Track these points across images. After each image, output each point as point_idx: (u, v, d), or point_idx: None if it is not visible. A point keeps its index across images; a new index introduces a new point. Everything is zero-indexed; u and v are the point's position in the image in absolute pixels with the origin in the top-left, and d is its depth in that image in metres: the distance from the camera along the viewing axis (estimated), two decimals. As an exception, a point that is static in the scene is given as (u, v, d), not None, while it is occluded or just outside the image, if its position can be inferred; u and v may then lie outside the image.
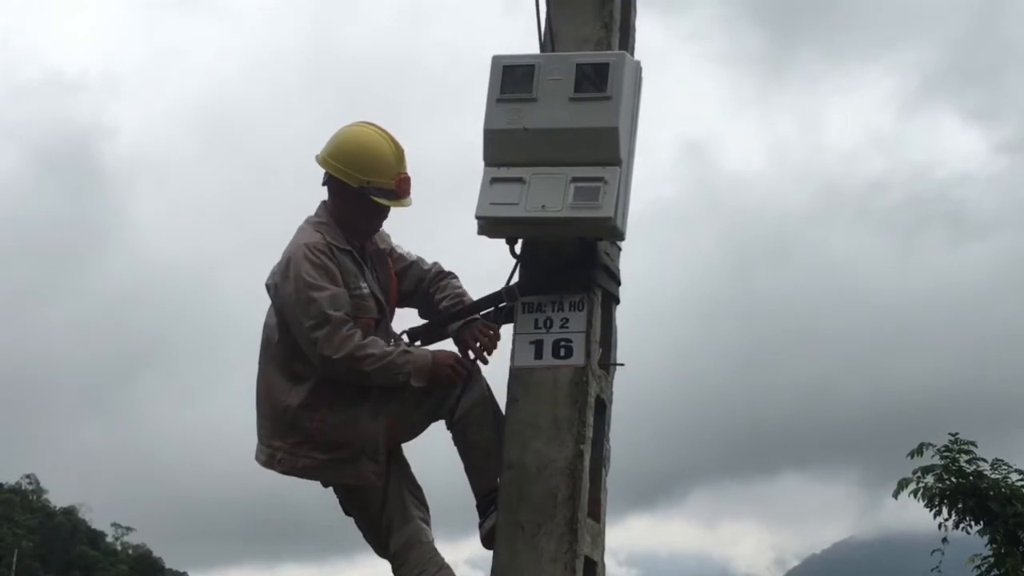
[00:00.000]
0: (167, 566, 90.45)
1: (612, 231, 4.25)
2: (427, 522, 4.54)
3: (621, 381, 4.47)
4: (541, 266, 4.36)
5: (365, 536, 4.53)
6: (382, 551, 4.49)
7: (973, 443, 12.48)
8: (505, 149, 4.29)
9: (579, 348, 4.23)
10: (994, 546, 12.13)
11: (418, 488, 4.60)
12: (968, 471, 12.28)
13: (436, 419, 4.47)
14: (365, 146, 4.42)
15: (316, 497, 4.59)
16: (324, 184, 4.51)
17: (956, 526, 12.28)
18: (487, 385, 4.48)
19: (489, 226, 4.32)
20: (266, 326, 4.48)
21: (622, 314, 4.53)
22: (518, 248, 4.40)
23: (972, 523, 12.24)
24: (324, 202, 4.54)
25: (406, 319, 4.67)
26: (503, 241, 4.38)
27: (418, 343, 4.57)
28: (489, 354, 4.44)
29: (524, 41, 4.55)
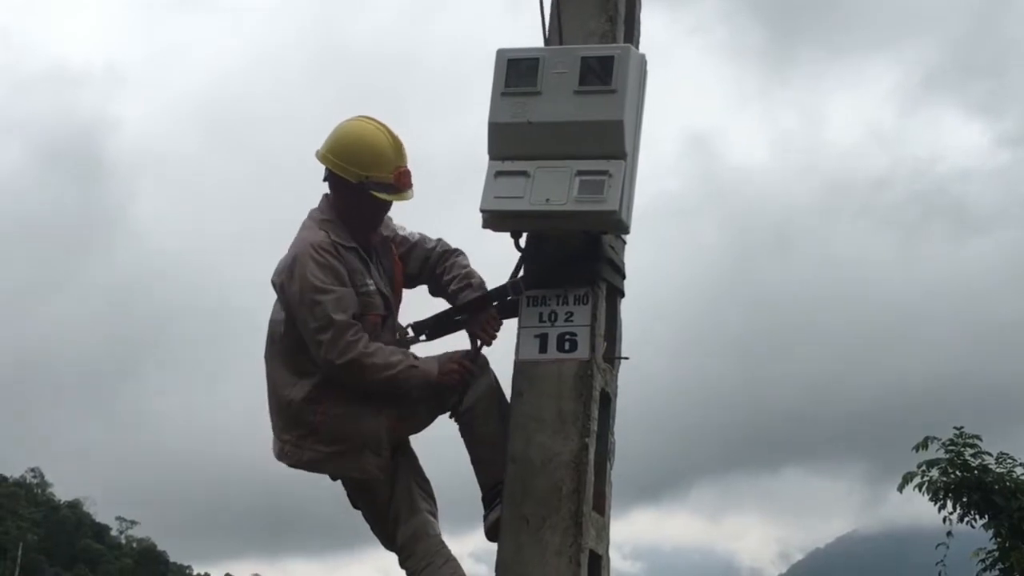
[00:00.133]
0: (171, 560, 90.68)
1: (617, 225, 4.25)
2: (434, 515, 4.53)
3: (625, 375, 4.48)
4: (546, 260, 4.36)
5: (372, 528, 4.54)
6: (389, 543, 4.50)
7: (978, 437, 12.46)
8: (509, 142, 4.29)
9: (584, 342, 4.23)
10: (999, 540, 12.13)
11: (426, 481, 4.59)
12: (973, 465, 12.25)
13: (441, 413, 4.48)
14: (362, 141, 4.39)
15: (319, 491, 4.60)
16: (325, 180, 4.49)
17: (961, 520, 12.28)
18: (495, 377, 4.47)
19: (494, 220, 4.32)
20: (272, 321, 4.47)
21: (626, 308, 4.53)
22: (523, 242, 4.39)
23: (977, 517, 12.23)
24: (327, 195, 4.52)
25: (413, 309, 4.64)
26: (508, 235, 4.37)
27: (423, 337, 4.56)
28: (490, 343, 4.42)
29: (529, 35, 4.55)
